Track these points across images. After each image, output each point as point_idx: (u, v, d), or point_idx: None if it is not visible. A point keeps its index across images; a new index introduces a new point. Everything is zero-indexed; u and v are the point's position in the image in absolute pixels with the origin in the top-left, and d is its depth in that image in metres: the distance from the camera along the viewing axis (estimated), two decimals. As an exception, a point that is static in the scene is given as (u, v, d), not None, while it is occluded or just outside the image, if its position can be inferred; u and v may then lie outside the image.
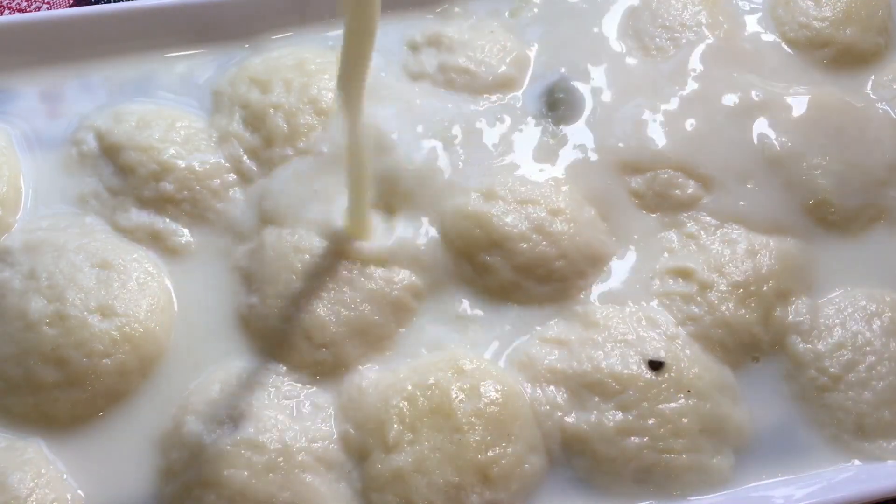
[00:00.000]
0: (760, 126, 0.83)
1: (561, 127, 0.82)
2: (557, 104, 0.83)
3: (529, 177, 0.79)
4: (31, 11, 0.92)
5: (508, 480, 0.66)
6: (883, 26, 0.89)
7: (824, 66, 0.87)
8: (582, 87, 0.85)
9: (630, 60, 0.87)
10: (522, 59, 0.86)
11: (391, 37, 0.87)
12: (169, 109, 0.82)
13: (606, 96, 0.84)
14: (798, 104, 0.83)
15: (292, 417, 0.68)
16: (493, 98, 0.84)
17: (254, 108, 0.80)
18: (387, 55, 0.86)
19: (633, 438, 0.68)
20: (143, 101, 0.82)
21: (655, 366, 0.70)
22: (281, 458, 0.65)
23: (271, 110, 0.80)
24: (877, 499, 0.67)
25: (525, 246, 0.74)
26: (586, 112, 0.83)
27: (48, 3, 0.94)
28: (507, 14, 0.89)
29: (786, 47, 0.89)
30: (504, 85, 0.84)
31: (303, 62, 0.83)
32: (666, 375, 0.69)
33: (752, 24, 0.89)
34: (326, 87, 0.81)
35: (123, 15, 0.83)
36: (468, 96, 0.83)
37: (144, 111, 0.81)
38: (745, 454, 0.70)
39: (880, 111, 0.85)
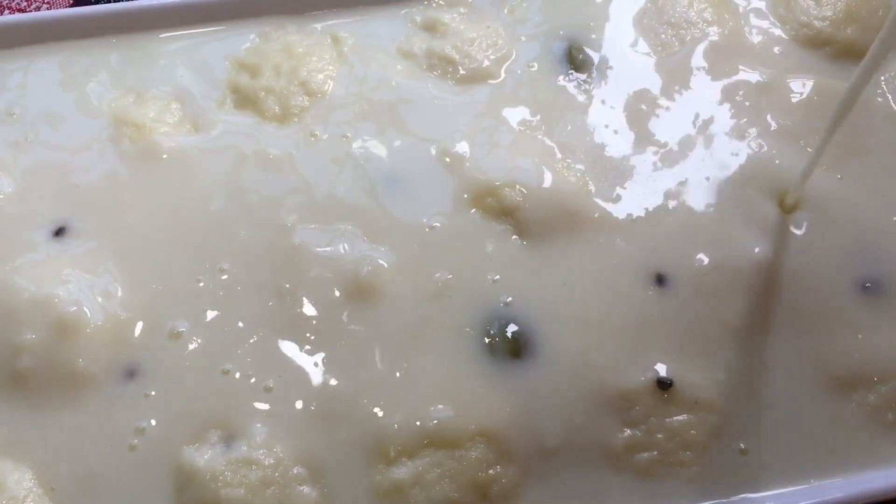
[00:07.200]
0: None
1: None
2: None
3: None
4: (30, 11, 0.93)
5: (508, 499, 0.64)
6: (883, 25, 0.89)
7: (824, 65, 0.87)
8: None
9: (637, 49, 0.86)
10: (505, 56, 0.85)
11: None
12: (167, 92, 0.81)
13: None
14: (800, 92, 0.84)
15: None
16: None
17: (244, 92, 0.81)
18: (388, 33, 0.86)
19: (642, 454, 0.67)
20: (142, 84, 0.82)
21: (664, 385, 0.68)
22: (276, 473, 0.63)
23: (262, 93, 0.80)
24: (877, 499, 0.67)
25: None
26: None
27: (48, 3, 0.94)
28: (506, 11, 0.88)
29: (787, 46, 0.88)
30: (480, 78, 0.83)
31: (290, 46, 0.83)
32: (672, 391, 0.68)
33: (754, 22, 0.88)
34: (315, 69, 0.81)
35: (123, 14, 0.83)
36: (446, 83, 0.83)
37: (143, 92, 0.81)
38: (749, 454, 0.69)
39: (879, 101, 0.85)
